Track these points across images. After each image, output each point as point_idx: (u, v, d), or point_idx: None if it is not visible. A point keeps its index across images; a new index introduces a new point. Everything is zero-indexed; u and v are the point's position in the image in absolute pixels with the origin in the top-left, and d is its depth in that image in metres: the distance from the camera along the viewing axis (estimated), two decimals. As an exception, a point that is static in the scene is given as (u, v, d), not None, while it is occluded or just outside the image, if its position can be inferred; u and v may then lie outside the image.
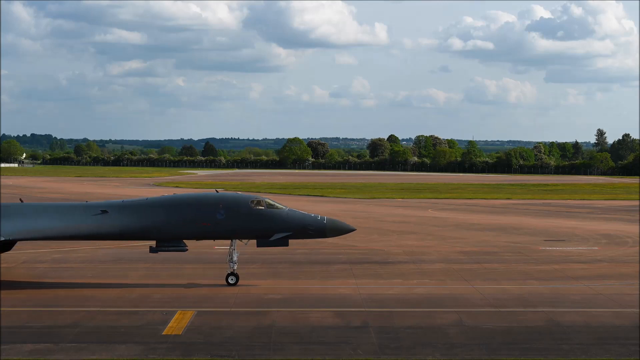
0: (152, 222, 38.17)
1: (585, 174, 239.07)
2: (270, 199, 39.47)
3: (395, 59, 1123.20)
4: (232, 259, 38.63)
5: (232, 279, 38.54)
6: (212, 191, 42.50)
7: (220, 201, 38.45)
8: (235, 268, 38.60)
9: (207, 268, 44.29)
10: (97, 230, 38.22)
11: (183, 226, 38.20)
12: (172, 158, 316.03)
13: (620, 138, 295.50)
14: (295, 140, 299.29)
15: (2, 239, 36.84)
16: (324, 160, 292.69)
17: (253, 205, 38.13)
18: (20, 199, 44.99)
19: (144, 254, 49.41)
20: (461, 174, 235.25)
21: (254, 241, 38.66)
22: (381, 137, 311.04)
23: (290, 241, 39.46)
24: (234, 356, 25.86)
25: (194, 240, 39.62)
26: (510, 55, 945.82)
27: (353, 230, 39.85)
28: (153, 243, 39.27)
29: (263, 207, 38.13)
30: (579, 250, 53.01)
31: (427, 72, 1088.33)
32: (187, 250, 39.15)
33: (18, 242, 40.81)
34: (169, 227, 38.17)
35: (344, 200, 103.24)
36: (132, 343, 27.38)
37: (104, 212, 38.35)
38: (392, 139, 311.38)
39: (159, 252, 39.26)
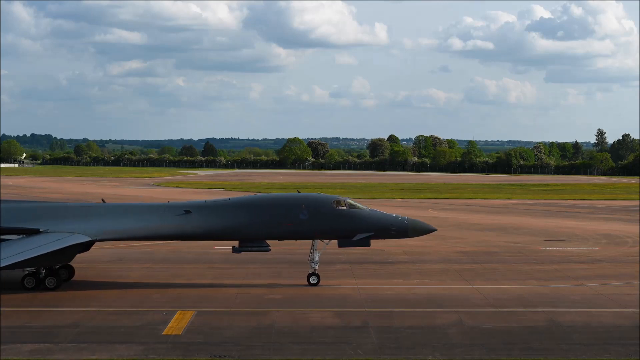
0: (236, 223, 38.28)
1: (585, 174, 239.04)
2: (351, 199, 39.56)
3: (395, 59, 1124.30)
4: (313, 259, 38.82)
5: (313, 279, 38.74)
6: (294, 191, 42.42)
7: (303, 202, 38.64)
8: (317, 268, 38.77)
9: (207, 268, 44.32)
10: (181, 231, 38.39)
11: (266, 226, 38.35)
12: (172, 158, 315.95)
13: (620, 138, 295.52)
14: (295, 140, 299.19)
15: (89, 239, 36.85)
16: (324, 160, 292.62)
17: (335, 205, 38.32)
18: (102, 200, 44.89)
19: (144, 253, 49.46)
20: (461, 174, 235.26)
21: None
22: (381, 137, 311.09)
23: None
24: (234, 356, 25.87)
25: (276, 241, 39.57)
26: (510, 55, 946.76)
27: (434, 230, 39.94)
28: (235, 243, 39.32)
29: (345, 208, 38.32)
30: (579, 250, 53.01)
31: (427, 72, 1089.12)
32: (270, 250, 39.29)
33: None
34: (252, 227, 38.30)
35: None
36: (132, 343, 27.39)
37: (187, 212, 38.45)
38: (392, 139, 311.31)
39: (242, 252, 39.42)
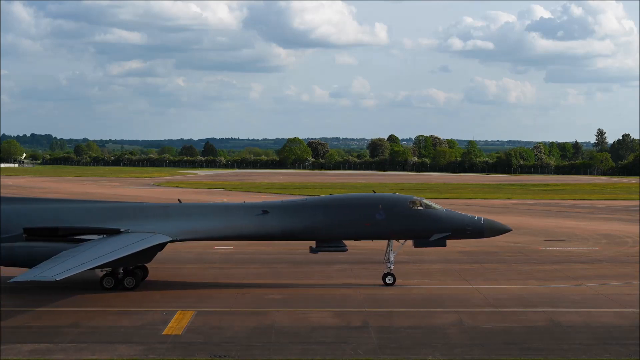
0: (314, 223, 38.35)
1: (585, 174, 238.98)
2: (426, 199, 39.58)
3: (395, 59, 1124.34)
4: (389, 259, 38.94)
5: (389, 279, 38.85)
6: (369, 192, 42.40)
7: (380, 202, 38.75)
8: (392, 268, 38.87)
9: (207, 268, 44.30)
10: (259, 231, 38.41)
11: (344, 227, 38.45)
12: (172, 158, 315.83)
13: (620, 138, 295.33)
14: (295, 140, 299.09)
15: (169, 239, 36.84)
16: (324, 160, 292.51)
17: (412, 205, 38.38)
18: (179, 200, 45.15)
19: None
20: (461, 174, 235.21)
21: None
22: (381, 137, 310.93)
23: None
24: (234, 356, 25.87)
25: (351, 241, 39.71)
26: (510, 55, 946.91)
27: (509, 230, 40.06)
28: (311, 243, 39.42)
29: (422, 208, 38.38)
30: (579, 250, 53.00)
31: (427, 72, 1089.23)
32: (347, 250, 39.33)
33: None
34: (330, 227, 38.38)
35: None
36: (132, 343, 27.39)
37: (265, 212, 38.48)
38: (392, 139, 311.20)
39: (319, 252, 39.55)
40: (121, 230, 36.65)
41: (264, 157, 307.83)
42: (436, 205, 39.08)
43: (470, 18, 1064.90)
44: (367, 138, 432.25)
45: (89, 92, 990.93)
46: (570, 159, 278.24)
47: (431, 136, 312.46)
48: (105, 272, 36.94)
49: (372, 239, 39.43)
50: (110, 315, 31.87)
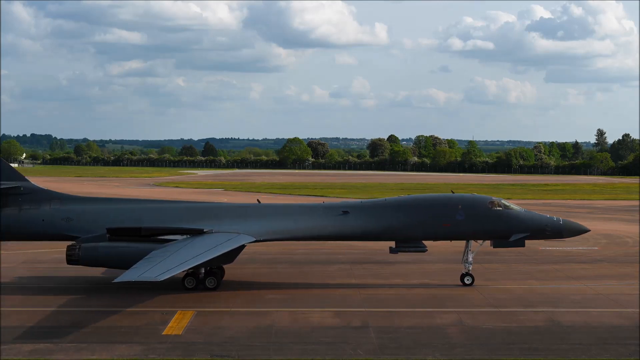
0: (394, 223, 38.43)
1: (585, 174, 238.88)
2: (504, 199, 39.60)
3: (395, 59, 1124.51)
4: (467, 259, 39.00)
5: (468, 280, 38.91)
6: (448, 192, 42.51)
7: (459, 202, 38.81)
8: (471, 269, 38.92)
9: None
10: (340, 231, 38.48)
11: (424, 227, 38.54)
12: (172, 158, 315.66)
13: (620, 138, 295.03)
14: (295, 140, 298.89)
15: (253, 240, 36.89)
16: (324, 160, 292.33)
17: (491, 206, 38.45)
18: (258, 200, 45.19)
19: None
20: (461, 174, 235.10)
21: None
22: (381, 137, 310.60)
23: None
24: (234, 356, 25.87)
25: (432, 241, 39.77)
26: (510, 55, 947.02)
27: (587, 230, 40.12)
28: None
29: (501, 208, 38.43)
30: (579, 250, 52.99)
31: (427, 72, 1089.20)
32: (426, 250, 39.38)
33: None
34: (410, 228, 38.47)
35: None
36: (132, 343, 27.40)
37: (345, 212, 38.49)
38: (392, 139, 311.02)
39: (399, 253, 39.66)
40: (204, 230, 36.68)
41: (264, 157, 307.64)
42: (515, 205, 39.14)
43: (470, 18, 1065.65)
44: (367, 138, 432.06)
45: (89, 92, 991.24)
46: (570, 159, 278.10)
47: (431, 136, 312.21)
48: (186, 272, 36.57)
49: (451, 239, 39.58)
50: (110, 315, 31.87)
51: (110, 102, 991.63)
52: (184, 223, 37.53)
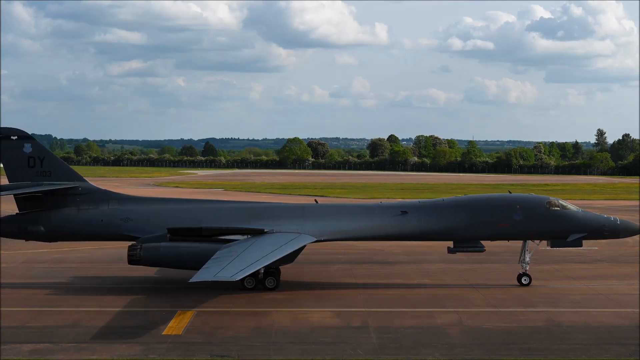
0: (453, 223, 38.50)
1: (585, 174, 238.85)
2: (561, 199, 39.57)
3: (395, 59, 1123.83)
4: (524, 259, 39.05)
5: (525, 280, 38.96)
6: (504, 192, 42.52)
7: (517, 202, 38.82)
8: (528, 269, 38.97)
9: (207, 268, 44.17)
10: (399, 231, 38.52)
11: (483, 227, 38.58)
12: (172, 158, 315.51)
13: (620, 138, 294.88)
14: (295, 140, 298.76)
15: (314, 240, 36.92)
16: (324, 160, 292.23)
17: (549, 206, 38.44)
18: (315, 200, 44.99)
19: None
20: (461, 174, 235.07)
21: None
22: (381, 137, 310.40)
23: None
24: (234, 356, 25.87)
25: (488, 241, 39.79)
26: (510, 55, 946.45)
27: None
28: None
29: (559, 208, 38.42)
30: (579, 250, 52.89)
31: (427, 72, 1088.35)
32: (484, 250, 39.42)
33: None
34: (469, 227, 38.54)
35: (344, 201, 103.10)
36: (132, 343, 27.40)
37: (404, 213, 38.50)
38: (392, 139, 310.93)
39: (457, 253, 39.79)
40: (265, 230, 36.69)
41: (264, 157, 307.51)
42: (572, 205, 39.13)
43: (470, 18, 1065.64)
44: (367, 138, 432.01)
45: (89, 92, 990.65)
46: (570, 159, 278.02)
47: (431, 136, 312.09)
48: None
49: (508, 239, 39.59)
50: (110, 315, 31.86)
51: (110, 102, 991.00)
52: (244, 223, 37.58)
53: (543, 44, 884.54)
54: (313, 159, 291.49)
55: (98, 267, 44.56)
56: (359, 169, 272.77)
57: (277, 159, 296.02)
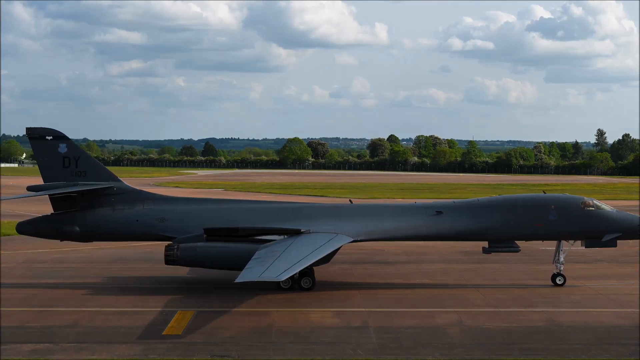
0: (488, 223, 38.45)
1: (585, 174, 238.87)
2: (596, 199, 39.55)
3: (395, 59, 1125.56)
4: (559, 259, 38.98)
5: (559, 280, 38.91)
6: (539, 192, 42.49)
7: (552, 202, 38.77)
8: (562, 269, 38.91)
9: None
10: (435, 232, 38.50)
11: (517, 227, 38.53)
12: (172, 158, 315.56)
13: (620, 138, 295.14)
14: (295, 140, 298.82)
15: (351, 240, 36.90)
16: (324, 160, 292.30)
17: (583, 206, 38.41)
18: (350, 200, 44.95)
19: (144, 253, 49.43)
20: (461, 174, 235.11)
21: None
22: (381, 137, 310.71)
23: None
24: (234, 356, 25.87)
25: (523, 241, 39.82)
26: (510, 55, 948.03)
27: None
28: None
29: (593, 208, 38.39)
30: (579, 250, 52.91)
31: (427, 72, 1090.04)
32: (519, 250, 39.41)
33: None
34: (504, 228, 38.47)
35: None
36: (132, 343, 27.39)
37: (439, 213, 38.53)
38: (392, 139, 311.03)
39: (492, 253, 39.78)
40: (302, 230, 36.69)
41: (264, 157, 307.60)
42: (606, 206, 39.08)
43: (470, 18, 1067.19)
44: (367, 138, 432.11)
45: (89, 92, 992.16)
46: (570, 159, 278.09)
47: (431, 136, 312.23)
48: None
49: (543, 239, 39.61)
50: (110, 315, 31.86)
51: (110, 102, 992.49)
52: (279, 223, 37.55)
53: (543, 44, 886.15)
54: (313, 159, 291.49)
55: (98, 267, 44.55)
56: (359, 169, 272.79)
57: (277, 159, 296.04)
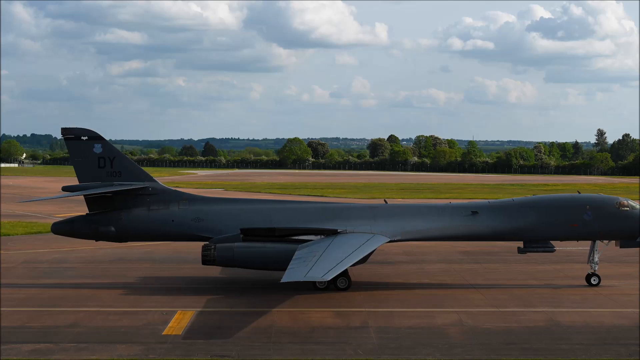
0: (524, 223, 38.46)
1: (585, 174, 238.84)
2: (631, 200, 39.43)
3: (395, 59, 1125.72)
4: (593, 260, 38.98)
5: (594, 280, 38.89)
6: (574, 192, 42.44)
7: (587, 202, 38.74)
8: (597, 269, 38.90)
9: (207, 268, 44.09)
10: (472, 231, 38.51)
11: (553, 227, 38.57)
12: (172, 158, 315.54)
13: (620, 138, 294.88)
14: (295, 140, 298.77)
15: (388, 240, 36.93)
16: (324, 160, 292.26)
17: (618, 206, 38.41)
18: (385, 200, 45.10)
19: (144, 253, 49.44)
20: (461, 174, 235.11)
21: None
22: (381, 137, 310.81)
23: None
24: (234, 356, 25.87)
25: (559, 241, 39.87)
26: (510, 55, 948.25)
27: None
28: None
29: (628, 208, 38.38)
30: (579, 250, 52.94)
31: (427, 72, 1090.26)
32: (555, 250, 39.46)
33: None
34: (540, 228, 38.50)
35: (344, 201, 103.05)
36: (132, 343, 27.39)
37: (474, 213, 38.53)
38: (392, 139, 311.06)
39: (527, 253, 39.79)
40: (338, 230, 36.68)
41: (264, 157, 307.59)
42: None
43: (470, 18, 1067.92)
44: (367, 138, 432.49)
45: (89, 92, 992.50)
46: (570, 159, 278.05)
47: (431, 136, 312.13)
48: None
49: (578, 239, 39.54)
50: (110, 315, 31.86)
51: (110, 102, 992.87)
52: (316, 223, 37.55)
53: (543, 44, 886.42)
54: (313, 159, 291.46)
55: (98, 267, 44.54)
56: (359, 169, 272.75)
57: (277, 159, 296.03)
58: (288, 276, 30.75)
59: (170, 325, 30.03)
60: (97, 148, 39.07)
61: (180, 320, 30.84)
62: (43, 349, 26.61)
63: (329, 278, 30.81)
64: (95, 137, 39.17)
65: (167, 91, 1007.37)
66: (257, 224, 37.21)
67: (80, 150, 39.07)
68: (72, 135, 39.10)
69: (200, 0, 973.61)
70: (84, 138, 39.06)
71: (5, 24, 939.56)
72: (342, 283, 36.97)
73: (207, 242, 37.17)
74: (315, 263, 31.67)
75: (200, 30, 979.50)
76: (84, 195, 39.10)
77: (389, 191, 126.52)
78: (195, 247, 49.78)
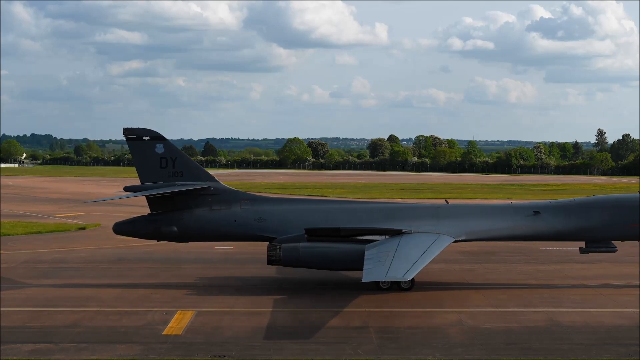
0: (586, 223, 38.54)
1: (585, 174, 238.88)
2: None
3: (395, 59, 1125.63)
4: None
5: None
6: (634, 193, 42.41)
7: None
8: None
9: (207, 268, 44.24)
10: (534, 232, 38.58)
11: (614, 227, 38.64)
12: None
13: (620, 138, 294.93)
14: (295, 140, 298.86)
15: (453, 240, 37.05)
16: (324, 160, 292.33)
17: None
18: (446, 200, 44.95)
19: (144, 253, 49.44)
20: (461, 174, 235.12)
21: None
22: (381, 137, 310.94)
23: None
24: (234, 356, 25.87)
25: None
26: (510, 55, 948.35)
27: None
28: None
29: None
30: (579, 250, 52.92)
31: (427, 72, 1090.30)
32: (616, 250, 39.56)
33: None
34: (602, 228, 38.58)
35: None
36: (132, 343, 27.39)
37: (536, 213, 38.54)
38: (392, 139, 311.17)
39: (589, 253, 39.98)
40: (403, 230, 36.68)
41: (264, 157, 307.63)
42: None
43: (470, 18, 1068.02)
44: (367, 138, 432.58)
45: (89, 92, 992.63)
46: (570, 159, 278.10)
47: (431, 136, 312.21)
48: None
49: (637, 239, 39.56)
50: (110, 315, 31.86)
51: (110, 102, 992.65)
52: (380, 223, 37.57)
53: (543, 44, 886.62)
54: (313, 159, 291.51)
55: (98, 267, 44.53)
56: (359, 169, 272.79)
57: (277, 159, 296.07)
58: (368, 276, 30.88)
59: (170, 325, 30.03)
60: (159, 148, 39.17)
61: (180, 320, 30.84)
62: (43, 349, 26.61)
63: (410, 278, 30.89)
64: (157, 138, 39.28)
65: (167, 91, 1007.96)
66: (320, 224, 37.27)
67: (142, 150, 39.19)
68: (133, 135, 39.22)
69: (200, 0, 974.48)
70: (146, 138, 39.21)
71: (5, 24, 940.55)
72: (405, 284, 36.91)
73: (272, 242, 37.18)
74: (392, 263, 31.69)
75: (200, 30, 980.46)
76: (146, 196, 39.11)
77: (389, 191, 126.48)
78: (195, 247, 49.82)
